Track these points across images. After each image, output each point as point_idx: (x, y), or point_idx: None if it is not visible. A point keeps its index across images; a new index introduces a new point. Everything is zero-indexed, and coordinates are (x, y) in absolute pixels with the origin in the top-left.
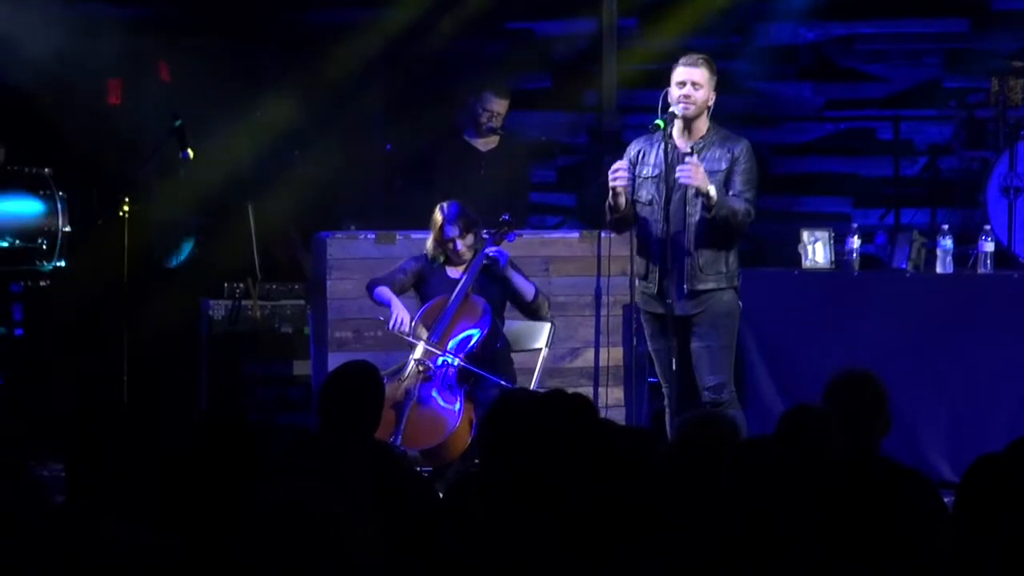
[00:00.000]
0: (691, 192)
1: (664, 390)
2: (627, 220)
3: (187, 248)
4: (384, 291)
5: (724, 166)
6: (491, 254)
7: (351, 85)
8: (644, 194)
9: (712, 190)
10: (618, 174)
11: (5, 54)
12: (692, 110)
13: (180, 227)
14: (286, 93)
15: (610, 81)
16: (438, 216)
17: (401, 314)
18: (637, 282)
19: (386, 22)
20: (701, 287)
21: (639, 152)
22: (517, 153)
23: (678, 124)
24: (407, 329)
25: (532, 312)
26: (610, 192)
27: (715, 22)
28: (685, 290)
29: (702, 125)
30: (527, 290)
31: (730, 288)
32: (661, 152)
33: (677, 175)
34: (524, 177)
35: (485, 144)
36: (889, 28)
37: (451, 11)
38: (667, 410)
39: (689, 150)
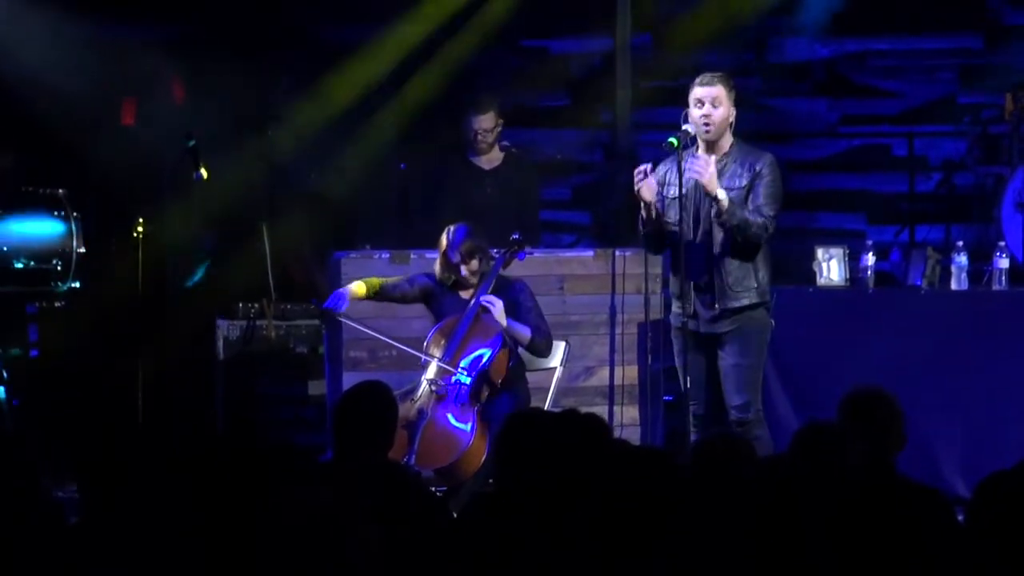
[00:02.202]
0: (715, 210)
1: (692, 407)
2: (660, 237)
3: (201, 269)
4: (353, 284)
5: (744, 182)
6: (483, 303)
7: (365, 103)
8: (672, 215)
9: (721, 194)
10: (639, 177)
11: (19, 75)
12: (713, 130)
13: (195, 248)
14: (300, 111)
15: (625, 99)
16: (443, 241)
17: (340, 299)
18: (673, 303)
19: (399, 38)
20: (734, 304)
21: (666, 172)
22: (523, 168)
23: (702, 144)
24: (342, 310)
25: (531, 352)
26: (641, 205)
27: (729, 38)
28: (717, 309)
29: (725, 143)
30: (522, 337)
31: (762, 304)
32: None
33: (686, 167)
34: (532, 192)
35: (489, 162)
36: (903, 44)
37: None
38: (691, 427)
39: (713, 167)
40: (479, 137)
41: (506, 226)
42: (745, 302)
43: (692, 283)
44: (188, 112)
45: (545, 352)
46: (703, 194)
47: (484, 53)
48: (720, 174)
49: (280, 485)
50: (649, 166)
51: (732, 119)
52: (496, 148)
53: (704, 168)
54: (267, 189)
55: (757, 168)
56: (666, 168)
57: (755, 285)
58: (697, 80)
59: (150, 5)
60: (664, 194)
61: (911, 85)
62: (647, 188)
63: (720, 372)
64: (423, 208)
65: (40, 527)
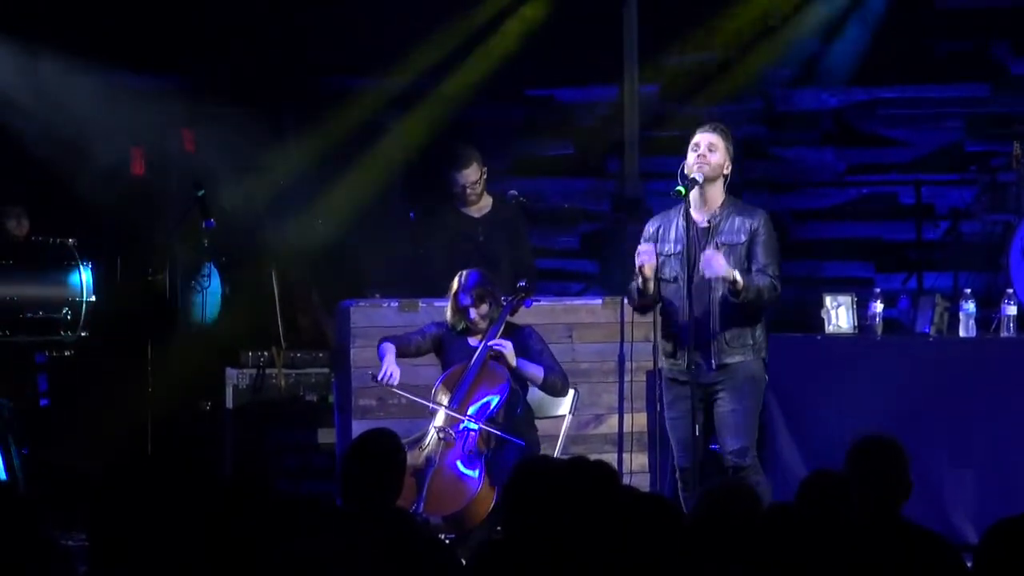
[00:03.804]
0: (729, 290)
1: (676, 461)
2: (652, 302)
3: (217, 307)
4: (386, 347)
5: (743, 238)
6: (493, 348)
7: (372, 151)
8: (668, 271)
9: (737, 275)
10: (642, 256)
11: (29, 125)
12: (707, 170)
13: (208, 286)
14: (308, 159)
15: (632, 148)
16: (455, 284)
17: (391, 368)
18: (663, 360)
19: (403, 88)
20: (728, 360)
21: (658, 229)
22: (511, 212)
23: (695, 197)
24: (396, 382)
25: (547, 392)
26: (638, 277)
27: (737, 88)
28: (713, 364)
29: (718, 196)
30: (535, 377)
31: (757, 358)
32: (681, 228)
33: (701, 268)
34: (523, 234)
35: (479, 210)
36: (910, 93)
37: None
38: (679, 483)
39: (707, 224)
40: (468, 191)
41: (504, 271)
42: (739, 358)
43: (689, 340)
44: (196, 161)
45: (561, 391)
46: (699, 248)
47: (490, 103)
48: (716, 230)
49: (286, 536)
50: (650, 248)
51: (727, 171)
52: (485, 195)
53: (716, 263)
54: (275, 236)
55: (753, 226)
56: (657, 224)
57: (751, 342)
58: (698, 127)
59: (157, 55)
60: (659, 250)
61: (918, 134)
62: (648, 266)
63: (715, 419)
64: (419, 258)
65: None
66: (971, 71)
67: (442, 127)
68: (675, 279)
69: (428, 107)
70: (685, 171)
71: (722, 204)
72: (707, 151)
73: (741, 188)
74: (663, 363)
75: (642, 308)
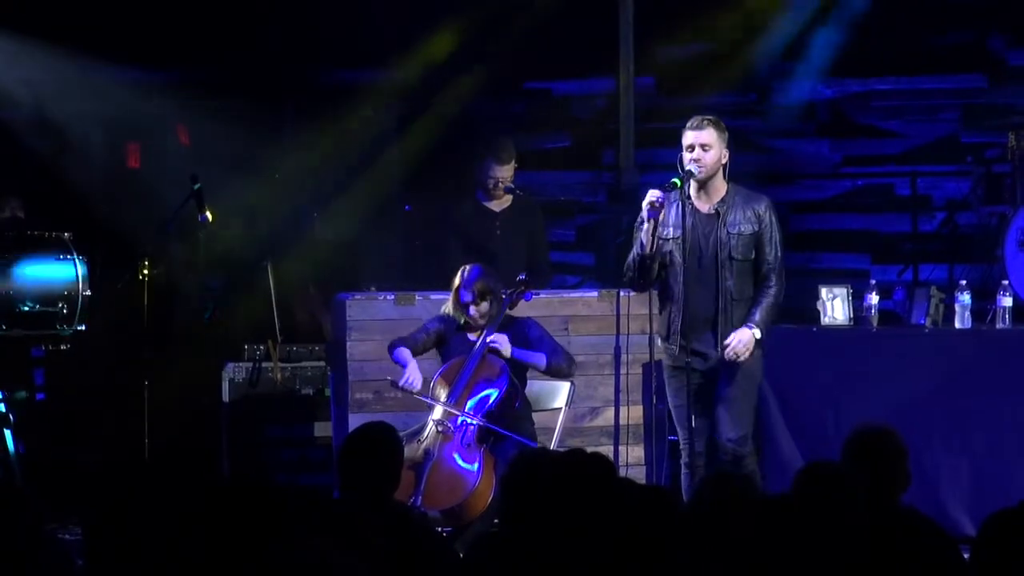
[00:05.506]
0: (723, 255)
1: (683, 445)
2: (652, 273)
3: (208, 310)
4: (403, 352)
5: (752, 228)
6: (491, 344)
7: (369, 145)
8: (667, 256)
9: (757, 333)
10: (652, 193)
11: (26, 118)
12: (704, 172)
13: (200, 292)
14: (305, 154)
15: (628, 140)
16: (457, 279)
17: (414, 375)
18: (659, 341)
19: (402, 82)
20: None
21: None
22: (531, 210)
23: (695, 185)
24: (417, 388)
25: (554, 376)
26: (639, 245)
27: (732, 80)
28: (718, 350)
29: (720, 185)
30: (537, 364)
31: (757, 345)
32: (680, 214)
33: (727, 356)
34: (541, 233)
35: (499, 204)
36: (906, 84)
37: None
38: (683, 467)
39: (714, 211)
40: (499, 184)
41: (516, 267)
42: None
43: (686, 325)
44: (192, 155)
45: (568, 371)
46: (705, 235)
47: (487, 95)
48: (723, 221)
49: (285, 531)
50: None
51: (725, 161)
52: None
53: (739, 351)
54: (271, 230)
55: (760, 213)
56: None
57: None
58: (688, 124)
59: (153, 49)
60: (659, 234)
61: (914, 125)
62: (658, 204)
63: (715, 405)
64: (429, 249)
65: (46, 570)
66: (967, 62)
67: (441, 121)
68: (672, 263)
69: (427, 101)
70: (682, 164)
71: (726, 194)
72: (701, 152)
73: (737, 180)
74: (660, 349)
75: (641, 285)
